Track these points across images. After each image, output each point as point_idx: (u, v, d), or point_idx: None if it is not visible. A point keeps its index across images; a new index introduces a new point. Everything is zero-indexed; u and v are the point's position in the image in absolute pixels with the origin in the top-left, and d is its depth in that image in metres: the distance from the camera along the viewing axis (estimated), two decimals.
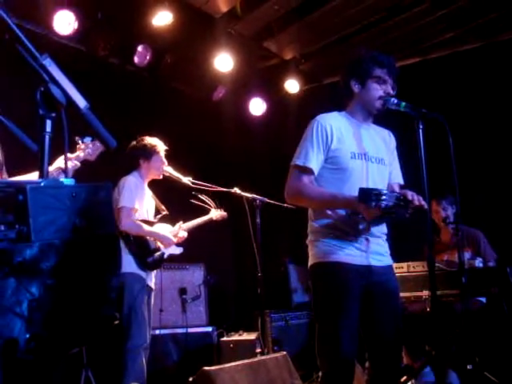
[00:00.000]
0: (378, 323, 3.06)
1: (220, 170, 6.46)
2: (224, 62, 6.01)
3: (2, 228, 1.11)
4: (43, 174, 1.31)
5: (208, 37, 5.85)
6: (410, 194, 2.85)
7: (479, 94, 5.94)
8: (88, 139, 3.22)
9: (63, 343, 1.14)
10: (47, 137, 1.39)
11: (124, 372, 4.35)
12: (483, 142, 5.93)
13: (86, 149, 3.20)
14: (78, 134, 3.06)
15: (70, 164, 3.01)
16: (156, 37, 5.54)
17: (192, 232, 5.11)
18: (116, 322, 1.26)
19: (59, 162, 3.05)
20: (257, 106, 6.88)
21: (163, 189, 5.03)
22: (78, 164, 3.18)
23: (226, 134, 6.83)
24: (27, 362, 1.02)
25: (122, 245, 4.55)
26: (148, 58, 5.51)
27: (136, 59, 5.50)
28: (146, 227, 4.63)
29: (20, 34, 1.41)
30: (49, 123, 1.40)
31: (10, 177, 2.98)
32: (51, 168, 3.00)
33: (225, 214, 5.27)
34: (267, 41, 6.17)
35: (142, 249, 4.61)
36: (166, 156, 4.89)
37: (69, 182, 1.29)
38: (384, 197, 2.76)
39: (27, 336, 1.03)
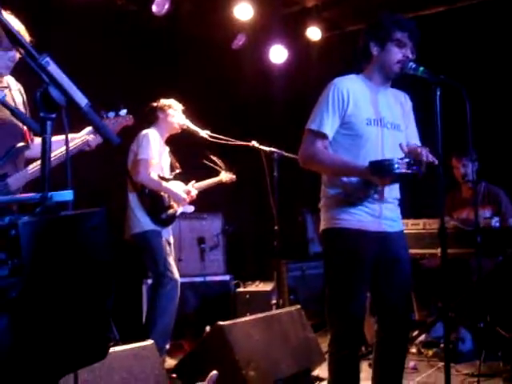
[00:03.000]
0: (389, 288, 3.11)
1: (238, 121, 6.43)
2: (244, 10, 5.90)
3: None
4: (45, 182, 1.32)
5: None
6: (422, 154, 2.85)
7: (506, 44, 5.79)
8: (112, 114, 3.20)
9: (57, 368, 1.19)
10: (48, 139, 1.40)
11: (153, 323, 4.52)
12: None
13: (109, 123, 3.19)
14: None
15: (92, 137, 3.02)
16: None
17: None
18: (111, 344, 1.30)
19: (87, 134, 3.06)
20: (278, 54, 6.73)
21: (177, 147, 5.05)
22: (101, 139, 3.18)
23: (245, 83, 6.76)
24: None
25: (136, 202, 4.63)
26: (166, 6, 5.42)
27: (154, 8, 5.41)
28: (163, 183, 4.67)
29: (18, 35, 1.41)
30: (49, 125, 1.41)
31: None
32: (77, 140, 3.02)
33: (234, 176, 5.28)
34: None
35: (156, 204, 4.66)
36: (184, 109, 4.91)
37: (67, 196, 1.30)
38: (395, 165, 2.77)
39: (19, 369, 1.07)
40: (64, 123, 1.47)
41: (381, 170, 2.83)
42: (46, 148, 1.38)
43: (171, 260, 4.68)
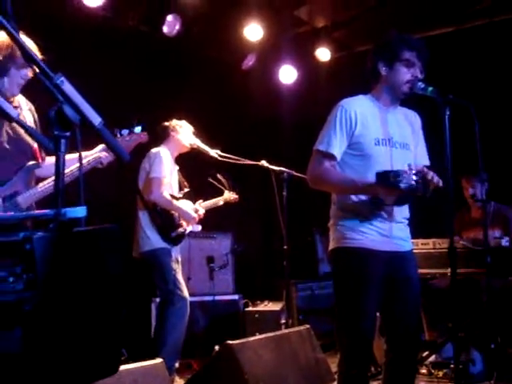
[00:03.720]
0: (398, 308, 3.09)
1: (248, 141, 6.47)
2: (254, 31, 5.97)
3: (11, 280, 1.16)
4: (59, 198, 1.34)
5: (238, 5, 5.78)
6: (428, 174, 2.86)
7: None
8: (125, 131, 3.22)
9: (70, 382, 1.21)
10: (62, 156, 1.43)
11: (162, 341, 4.51)
12: None
13: (123, 141, 3.21)
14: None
15: (104, 154, 3.04)
16: (185, 6, 5.50)
17: None
18: (123, 358, 1.32)
19: (99, 152, 3.08)
20: (287, 74, 6.79)
21: (182, 166, 5.08)
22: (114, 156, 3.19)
23: (255, 103, 6.81)
24: None
25: (147, 220, 4.65)
26: (177, 27, 5.48)
27: (165, 29, 5.48)
28: (174, 201, 4.70)
29: (33, 55, 1.44)
30: (63, 143, 1.44)
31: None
32: (89, 158, 3.04)
33: (236, 197, 5.31)
34: (298, 9, 6.08)
35: (167, 222, 4.69)
36: (195, 131, 4.96)
37: (80, 212, 1.32)
38: (401, 177, 2.77)
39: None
40: (77, 141, 1.49)
41: (387, 180, 2.82)
42: (59, 165, 1.41)
43: (180, 278, 4.69)
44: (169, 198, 4.65)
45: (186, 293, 4.65)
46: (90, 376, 1.31)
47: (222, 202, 5.22)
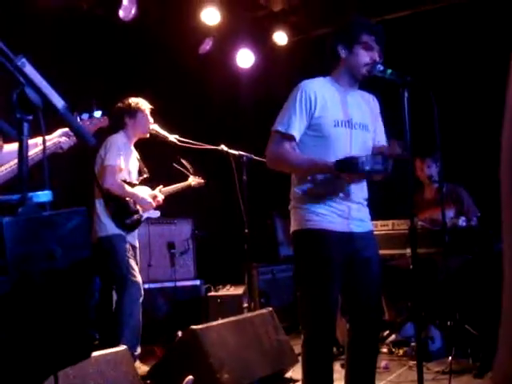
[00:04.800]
0: (359, 288, 3.14)
1: (207, 125, 6.45)
2: (211, 14, 5.92)
3: None
4: (23, 183, 1.31)
5: None
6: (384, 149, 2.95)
7: (468, 47, 5.91)
8: (86, 116, 3.16)
9: (43, 368, 1.19)
10: (25, 140, 1.40)
11: (121, 326, 4.49)
12: (470, 98, 5.92)
13: (84, 125, 3.14)
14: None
15: (64, 139, 2.97)
16: None
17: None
18: (96, 343, 1.31)
19: (58, 136, 3.00)
20: (245, 58, 6.78)
21: (145, 152, 5.03)
22: (74, 140, 3.11)
23: (213, 87, 6.78)
24: None
25: (102, 207, 4.62)
26: (133, 11, 5.40)
27: (121, 13, 5.39)
28: (128, 188, 4.66)
29: None
30: (26, 126, 1.41)
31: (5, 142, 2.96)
32: (48, 143, 2.96)
33: (202, 181, 5.32)
34: None
35: (121, 210, 4.65)
36: (152, 114, 4.89)
37: (45, 196, 1.30)
38: (360, 164, 2.82)
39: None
40: (41, 125, 1.46)
41: (347, 168, 2.88)
42: (23, 149, 1.38)
43: (133, 263, 4.67)
44: (122, 185, 4.61)
45: (138, 277, 4.63)
46: (63, 361, 1.30)
47: (191, 182, 5.19)
